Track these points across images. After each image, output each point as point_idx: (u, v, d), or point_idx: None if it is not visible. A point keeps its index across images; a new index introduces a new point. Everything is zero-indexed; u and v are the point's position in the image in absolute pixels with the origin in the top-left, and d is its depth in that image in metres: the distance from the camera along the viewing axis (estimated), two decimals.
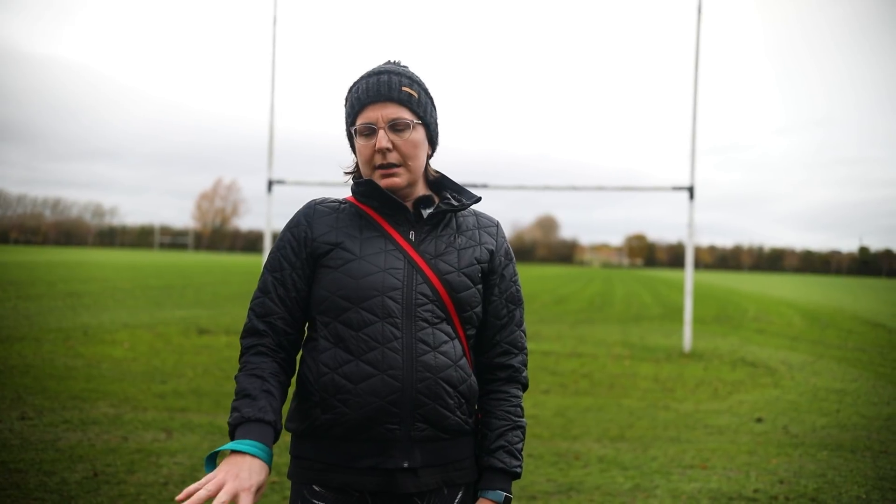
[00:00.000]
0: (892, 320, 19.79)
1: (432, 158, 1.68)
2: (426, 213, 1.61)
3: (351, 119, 1.60)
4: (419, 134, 1.59)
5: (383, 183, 1.57)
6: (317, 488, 1.53)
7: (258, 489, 1.32)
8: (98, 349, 9.19)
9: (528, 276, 43.72)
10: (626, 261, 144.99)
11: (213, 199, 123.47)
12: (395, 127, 1.56)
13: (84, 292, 18.31)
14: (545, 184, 13.21)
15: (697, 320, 15.35)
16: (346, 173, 1.70)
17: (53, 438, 4.96)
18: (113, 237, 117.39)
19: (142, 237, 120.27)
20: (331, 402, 1.50)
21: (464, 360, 1.57)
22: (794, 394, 7.95)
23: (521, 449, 1.62)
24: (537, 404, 6.90)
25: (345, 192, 1.71)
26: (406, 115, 1.57)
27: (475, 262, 1.61)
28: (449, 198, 1.64)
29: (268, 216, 12.69)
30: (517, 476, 1.60)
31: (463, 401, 1.56)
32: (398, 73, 1.59)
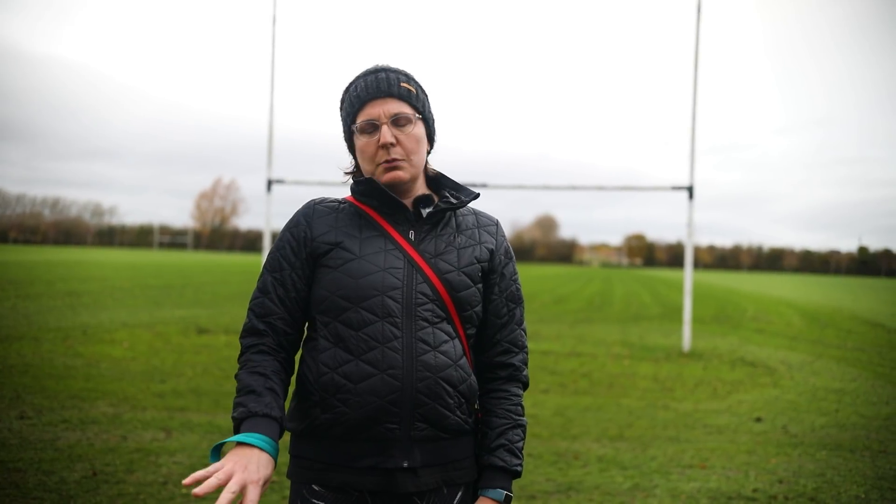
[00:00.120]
0: (891, 320, 19.79)
1: (430, 155, 1.68)
2: (425, 212, 1.61)
3: (351, 118, 1.60)
4: (420, 129, 1.60)
5: (387, 177, 1.56)
6: (316, 488, 1.53)
7: (265, 483, 1.32)
8: (97, 348, 9.18)
9: (528, 276, 43.72)
10: (625, 260, 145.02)
11: (212, 198, 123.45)
12: (398, 122, 1.56)
13: (83, 292, 18.30)
14: (545, 183, 13.22)
15: (697, 320, 15.35)
16: (347, 174, 1.69)
17: (52, 438, 4.95)
18: (112, 236, 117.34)
19: (141, 236, 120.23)
20: (331, 402, 1.50)
21: (464, 360, 1.57)
22: (794, 393, 7.95)
23: (522, 447, 1.62)
24: (536, 404, 6.90)
25: (344, 192, 1.71)
26: (407, 109, 1.58)
27: (475, 261, 1.61)
28: (448, 196, 1.64)
29: (267, 216, 12.69)
30: (518, 475, 1.60)
31: (463, 400, 1.56)
32: (395, 71, 1.61)
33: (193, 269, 36.83)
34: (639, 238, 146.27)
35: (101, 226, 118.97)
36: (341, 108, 1.65)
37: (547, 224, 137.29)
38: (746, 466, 4.93)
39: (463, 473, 1.58)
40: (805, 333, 15.33)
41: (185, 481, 1.22)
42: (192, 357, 8.93)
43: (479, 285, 1.62)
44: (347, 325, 1.51)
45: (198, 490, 1.21)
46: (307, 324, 1.63)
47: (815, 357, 11.20)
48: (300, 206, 1.65)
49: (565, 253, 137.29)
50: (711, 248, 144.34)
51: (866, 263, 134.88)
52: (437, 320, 1.54)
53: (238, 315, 13.97)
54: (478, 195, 1.66)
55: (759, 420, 6.53)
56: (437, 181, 1.69)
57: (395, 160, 1.56)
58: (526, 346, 1.70)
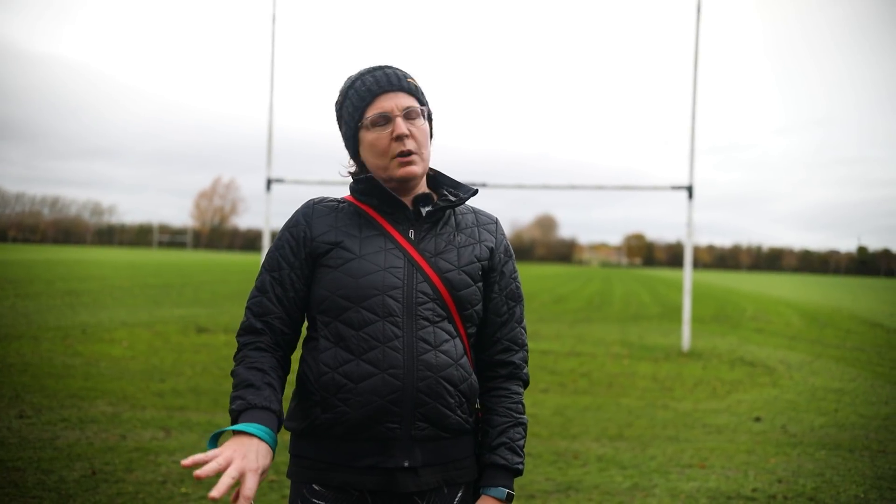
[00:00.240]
0: (890, 320, 19.80)
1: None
2: (425, 210, 1.61)
3: (360, 112, 1.58)
4: (426, 124, 1.61)
5: (401, 171, 1.56)
6: (317, 487, 1.53)
7: (263, 473, 1.31)
8: (96, 347, 9.18)
9: (527, 276, 43.72)
10: (624, 260, 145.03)
11: (211, 197, 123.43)
12: (409, 115, 1.57)
13: (82, 291, 18.29)
14: (544, 183, 13.23)
15: (696, 320, 15.36)
16: (350, 173, 1.68)
17: (52, 437, 4.95)
18: (111, 236, 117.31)
19: (140, 236, 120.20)
20: (331, 402, 1.49)
21: (465, 359, 1.57)
22: (793, 393, 7.95)
23: (523, 446, 1.62)
24: (536, 403, 6.90)
25: (344, 191, 1.70)
26: (416, 104, 1.59)
27: (475, 259, 1.61)
28: (446, 194, 1.64)
29: (266, 215, 12.69)
30: (519, 473, 1.59)
31: (463, 400, 1.56)
32: (397, 68, 1.61)
33: (193, 269, 36.82)
34: (638, 238, 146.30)
35: (101, 225, 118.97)
36: (342, 106, 1.63)
37: (546, 223, 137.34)
38: (746, 466, 4.93)
39: (463, 473, 1.58)
40: (804, 333, 15.33)
41: (185, 462, 1.21)
42: (192, 356, 8.93)
43: (480, 284, 1.61)
44: (348, 324, 1.51)
45: (199, 472, 1.20)
46: (307, 324, 1.62)
47: (814, 357, 11.20)
48: (299, 206, 1.64)
49: (565, 252, 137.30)
50: (711, 248, 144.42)
51: (865, 263, 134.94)
52: (437, 319, 1.54)
53: (237, 314, 13.96)
54: (476, 191, 1.66)
55: (758, 420, 6.53)
56: (435, 179, 1.69)
57: (410, 152, 1.55)
58: (526, 345, 1.69)
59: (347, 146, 1.65)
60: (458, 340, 1.57)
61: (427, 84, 1.68)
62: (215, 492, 1.19)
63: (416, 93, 1.60)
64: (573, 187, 13.02)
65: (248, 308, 1.58)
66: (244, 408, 1.39)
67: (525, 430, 1.64)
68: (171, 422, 5.61)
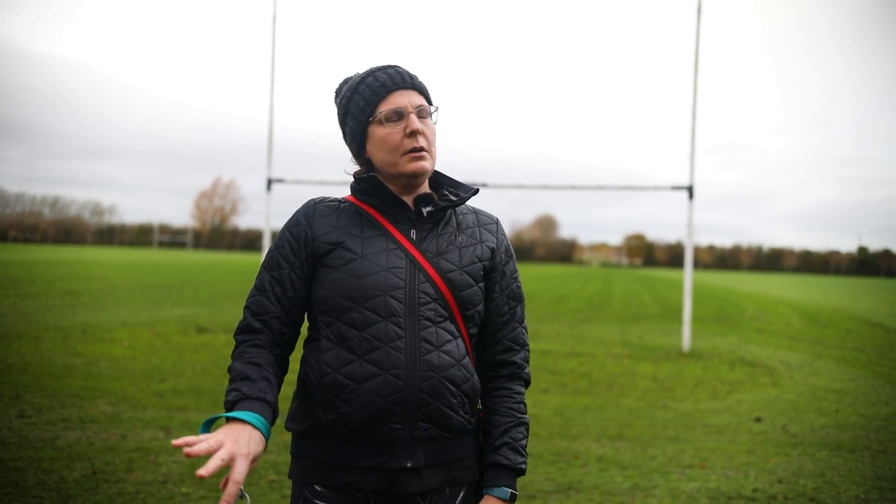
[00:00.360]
0: (890, 320, 19.80)
1: None
2: (426, 210, 1.61)
3: (371, 107, 1.57)
4: (434, 124, 1.62)
5: (412, 166, 1.55)
6: (318, 488, 1.52)
7: (254, 460, 1.29)
8: (97, 347, 9.18)
9: (528, 276, 43.72)
10: (625, 260, 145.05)
11: (212, 197, 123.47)
12: (421, 113, 1.57)
13: (83, 291, 18.29)
14: (544, 183, 13.23)
15: (696, 320, 15.35)
16: (356, 173, 1.66)
17: (52, 437, 4.95)
18: (112, 236, 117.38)
19: (141, 236, 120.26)
20: (334, 402, 1.49)
21: (467, 359, 1.57)
22: (793, 393, 7.95)
23: (525, 445, 1.61)
24: (536, 403, 6.90)
25: (345, 191, 1.70)
26: (426, 103, 1.60)
27: (476, 260, 1.61)
28: (447, 194, 1.64)
29: (267, 215, 12.69)
30: (522, 472, 1.59)
31: (466, 400, 1.56)
32: (406, 68, 1.62)
33: (193, 269, 36.82)
34: (638, 238, 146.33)
35: (101, 225, 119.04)
36: (349, 101, 1.61)
37: (547, 224, 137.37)
38: (746, 466, 4.93)
39: (465, 473, 1.58)
40: (805, 333, 15.33)
41: (175, 442, 1.21)
42: (192, 356, 8.93)
43: (481, 284, 1.61)
44: (350, 325, 1.51)
45: (189, 450, 1.19)
46: (308, 324, 1.62)
47: (814, 357, 11.20)
48: (300, 206, 1.63)
49: (565, 252, 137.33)
50: (711, 248, 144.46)
51: (866, 263, 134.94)
52: (440, 320, 1.54)
53: (237, 314, 13.93)
54: (477, 191, 1.66)
55: (758, 420, 6.53)
56: (435, 180, 1.69)
57: (422, 148, 1.55)
58: (527, 344, 1.69)
59: (352, 142, 1.64)
60: (460, 341, 1.56)
61: (427, 84, 1.68)
62: (203, 470, 1.18)
63: (425, 92, 1.61)
64: (573, 187, 13.02)
65: (246, 307, 1.57)
66: (239, 398, 1.38)
67: (527, 430, 1.63)
68: (171, 422, 5.61)
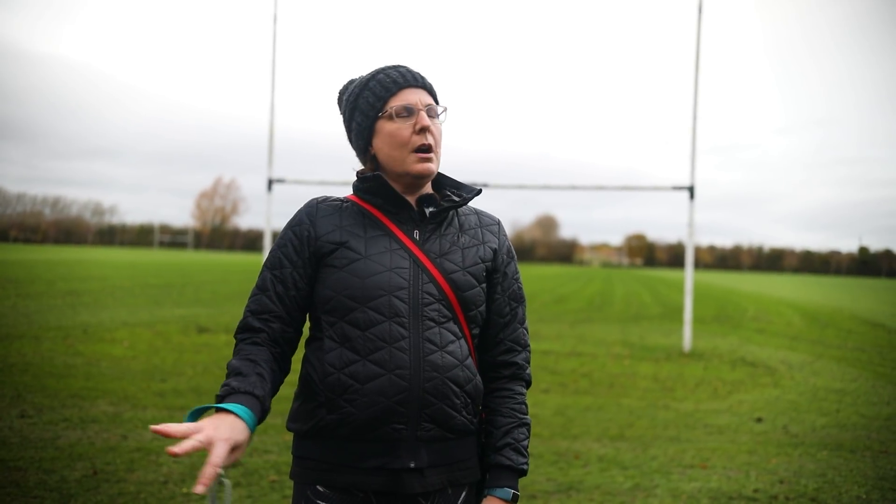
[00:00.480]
0: (891, 320, 19.79)
1: None
2: (429, 211, 1.60)
3: (382, 102, 1.57)
4: (441, 125, 1.62)
5: (419, 167, 1.55)
6: (321, 488, 1.52)
7: (235, 448, 1.27)
8: (98, 347, 9.18)
9: (528, 276, 43.71)
10: (625, 260, 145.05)
11: (212, 197, 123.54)
12: (430, 113, 1.58)
13: (83, 291, 18.30)
14: (545, 183, 13.22)
15: (697, 320, 15.35)
16: (359, 171, 1.65)
17: (53, 436, 4.95)
18: (112, 236, 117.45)
19: (141, 236, 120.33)
20: (337, 403, 1.49)
21: (469, 360, 1.57)
22: (794, 393, 7.95)
23: (527, 446, 1.62)
24: (537, 403, 6.89)
25: (345, 192, 1.70)
26: (434, 103, 1.60)
27: (479, 260, 1.61)
28: (450, 194, 1.64)
29: (267, 215, 12.69)
30: (524, 473, 1.59)
31: (469, 400, 1.56)
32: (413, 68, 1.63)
33: (194, 269, 36.83)
34: (639, 238, 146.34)
35: (102, 225, 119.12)
36: (358, 96, 1.61)
37: (547, 224, 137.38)
38: (747, 466, 4.93)
39: (467, 473, 1.58)
40: (805, 333, 15.33)
41: (153, 427, 1.20)
42: (193, 356, 8.93)
43: (484, 285, 1.61)
44: (354, 325, 1.50)
45: (159, 428, 1.19)
46: (310, 324, 1.61)
47: (815, 357, 11.19)
48: (302, 205, 1.63)
49: (566, 253, 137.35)
50: (712, 249, 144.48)
51: (867, 264, 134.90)
52: (443, 320, 1.54)
53: (238, 314, 13.94)
54: (479, 192, 1.65)
55: (759, 420, 6.53)
56: (437, 180, 1.68)
57: (430, 147, 1.55)
58: (528, 345, 1.69)
59: (359, 137, 1.62)
60: (463, 341, 1.56)
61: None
62: (176, 447, 1.17)
63: (433, 93, 1.62)
64: (574, 187, 13.02)
65: (247, 306, 1.57)
66: (228, 393, 1.38)
67: (528, 431, 1.63)
68: (172, 421, 5.60)
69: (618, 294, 29.65)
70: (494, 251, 1.65)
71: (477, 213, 1.71)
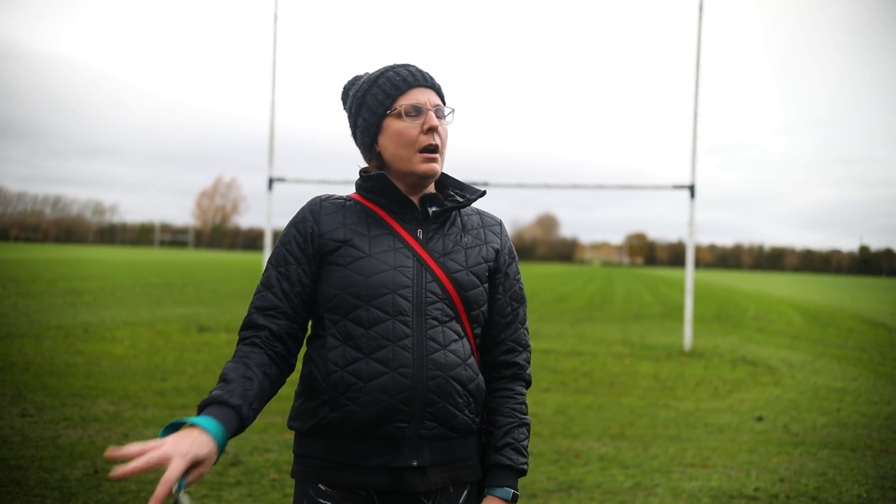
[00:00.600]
0: (892, 319, 19.79)
1: None
2: (432, 210, 1.61)
3: (390, 100, 1.57)
4: (448, 126, 1.62)
5: (424, 168, 1.55)
6: (323, 487, 1.52)
7: (198, 463, 1.25)
8: (98, 346, 9.18)
9: (529, 275, 43.71)
10: (626, 259, 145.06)
11: (213, 196, 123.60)
12: (437, 113, 1.58)
13: (84, 290, 18.31)
14: (546, 182, 13.22)
15: (698, 319, 15.35)
16: (363, 170, 1.64)
17: (54, 435, 4.96)
18: (113, 235, 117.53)
19: (142, 235, 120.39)
20: (340, 401, 1.49)
21: (472, 359, 1.57)
22: (795, 392, 7.95)
23: (527, 446, 1.62)
24: (538, 402, 6.90)
25: (345, 191, 1.69)
26: (442, 104, 1.60)
27: (482, 260, 1.61)
28: (453, 195, 1.64)
29: (268, 214, 12.70)
30: (524, 473, 1.59)
31: (471, 399, 1.56)
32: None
33: (194, 268, 36.85)
34: (640, 237, 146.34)
35: (103, 224, 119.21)
36: (366, 93, 1.60)
37: (548, 223, 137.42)
38: (748, 465, 4.93)
39: (469, 472, 1.58)
40: (806, 333, 15.33)
41: (108, 453, 1.18)
42: (193, 355, 8.94)
43: (486, 285, 1.62)
44: (357, 322, 1.50)
45: (112, 453, 1.18)
46: (313, 322, 1.61)
47: (816, 356, 11.19)
48: (304, 203, 1.63)
49: (566, 252, 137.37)
50: (712, 248, 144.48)
51: (867, 263, 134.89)
52: (446, 319, 1.54)
53: (239, 313, 13.97)
54: (483, 193, 1.66)
55: (760, 419, 6.53)
56: (440, 180, 1.69)
57: (436, 148, 1.56)
58: (529, 345, 1.70)
59: (364, 133, 1.61)
60: (465, 341, 1.57)
61: None
62: (120, 470, 1.16)
63: (442, 95, 1.62)
64: (575, 187, 13.02)
65: (252, 303, 1.57)
66: (205, 403, 1.36)
67: (528, 431, 1.64)
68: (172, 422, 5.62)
69: (618, 293, 29.65)
70: (497, 251, 1.65)
71: (479, 213, 1.71)
